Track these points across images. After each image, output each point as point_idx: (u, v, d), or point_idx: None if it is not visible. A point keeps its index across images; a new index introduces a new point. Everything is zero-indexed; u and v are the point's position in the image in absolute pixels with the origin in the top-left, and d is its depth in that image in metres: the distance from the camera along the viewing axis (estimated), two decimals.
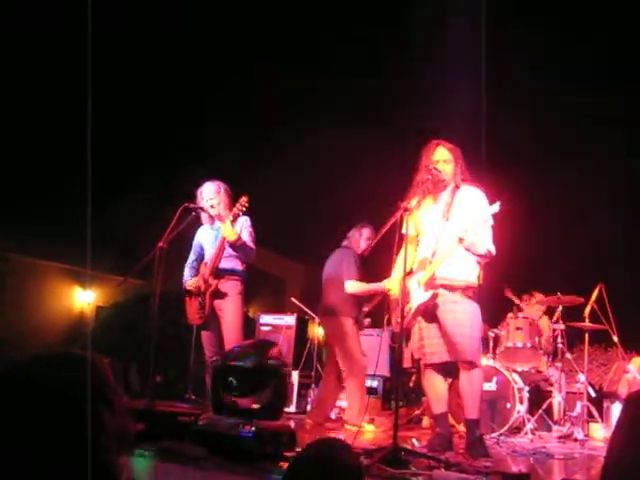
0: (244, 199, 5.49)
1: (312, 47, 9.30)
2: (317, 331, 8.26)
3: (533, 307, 7.47)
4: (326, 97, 9.32)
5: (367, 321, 7.09)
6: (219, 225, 5.69)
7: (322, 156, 9.49)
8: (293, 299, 8.77)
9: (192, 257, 5.91)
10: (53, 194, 10.53)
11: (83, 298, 12.88)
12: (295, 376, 7.67)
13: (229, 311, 5.59)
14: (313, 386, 7.64)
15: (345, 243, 6.52)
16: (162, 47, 9.07)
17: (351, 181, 10.05)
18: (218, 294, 5.59)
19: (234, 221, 5.56)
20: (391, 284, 4.74)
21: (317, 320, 8.10)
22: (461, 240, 4.39)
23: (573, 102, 8.75)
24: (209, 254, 5.72)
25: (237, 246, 5.52)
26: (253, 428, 3.81)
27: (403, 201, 4.35)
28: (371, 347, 6.62)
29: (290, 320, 8.25)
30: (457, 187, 4.66)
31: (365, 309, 6.69)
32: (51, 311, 12.25)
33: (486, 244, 4.50)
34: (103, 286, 12.23)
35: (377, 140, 9.17)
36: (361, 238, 6.40)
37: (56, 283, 12.60)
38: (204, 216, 5.76)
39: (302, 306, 8.41)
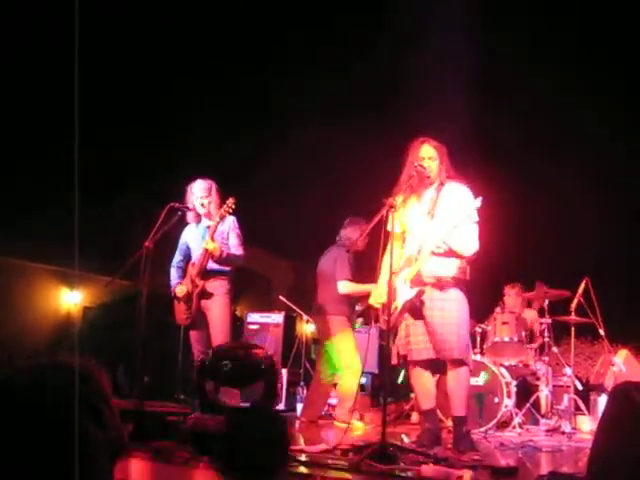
0: (231, 200, 5.49)
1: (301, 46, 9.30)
2: (305, 329, 8.28)
3: (513, 297, 7.50)
4: (310, 94, 9.31)
5: (359, 320, 7.08)
6: (205, 224, 5.69)
7: (308, 153, 9.49)
8: (281, 297, 8.77)
9: (178, 257, 5.89)
10: (39, 195, 10.47)
11: (70, 299, 12.82)
12: (284, 374, 7.69)
13: (217, 311, 5.58)
14: (302, 383, 7.65)
15: (340, 241, 6.45)
16: (152, 45, 9.02)
17: (337, 178, 10.05)
18: (205, 294, 5.58)
19: (221, 222, 5.56)
20: (377, 295, 4.75)
21: (306, 318, 8.12)
22: (438, 248, 4.43)
23: (560, 99, 8.81)
24: (196, 254, 5.71)
25: (222, 260, 5.52)
26: None
27: (389, 198, 4.36)
28: (360, 344, 6.64)
29: (278, 318, 8.25)
30: (442, 184, 4.67)
31: (358, 308, 6.66)
32: (38, 312, 12.19)
33: (467, 244, 4.51)
34: (90, 287, 12.18)
35: (363, 137, 9.18)
36: (353, 233, 6.26)
37: (43, 284, 12.54)
38: (190, 215, 5.75)
39: (290, 304, 8.41)
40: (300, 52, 9.25)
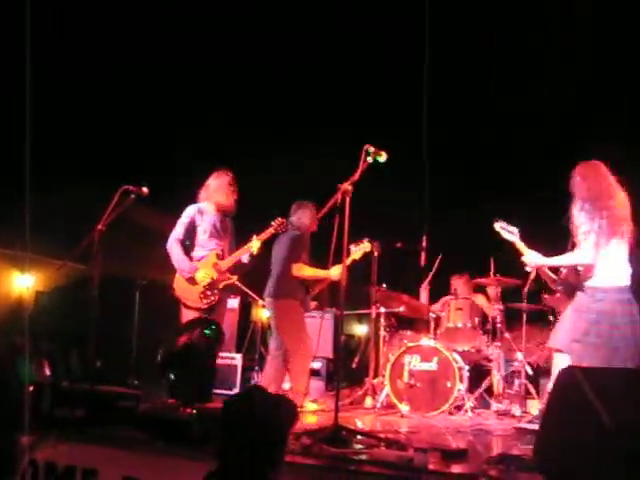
0: (281, 220, 5.72)
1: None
2: (261, 314, 8.26)
3: (462, 287, 7.62)
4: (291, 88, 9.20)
5: (313, 304, 7.08)
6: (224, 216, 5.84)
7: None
8: (237, 282, 8.72)
9: (183, 234, 5.78)
10: None
11: (22, 282, 12.60)
12: (239, 359, 7.67)
13: (225, 301, 5.96)
14: (257, 369, 7.65)
15: (291, 226, 6.47)
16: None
17: (291, 165, 9.97)
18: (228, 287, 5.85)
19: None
20: None
21: (262, 303, 8.09)
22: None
23: None
24: (213, 242, 5.79)
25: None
26: (194, 411, 3.81)
27: (343, 183, 4.37)
28: (314, 329, 6.64)
29: (234, 303, 8.22)
30: None
31: (312, 292, 6.66)
32: None
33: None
34: (42, 270, 11.98)
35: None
36: (304, 216, 6.34)
37: None
38: (203, 194, 5.85)
39: (245, 289, 8.38)
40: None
